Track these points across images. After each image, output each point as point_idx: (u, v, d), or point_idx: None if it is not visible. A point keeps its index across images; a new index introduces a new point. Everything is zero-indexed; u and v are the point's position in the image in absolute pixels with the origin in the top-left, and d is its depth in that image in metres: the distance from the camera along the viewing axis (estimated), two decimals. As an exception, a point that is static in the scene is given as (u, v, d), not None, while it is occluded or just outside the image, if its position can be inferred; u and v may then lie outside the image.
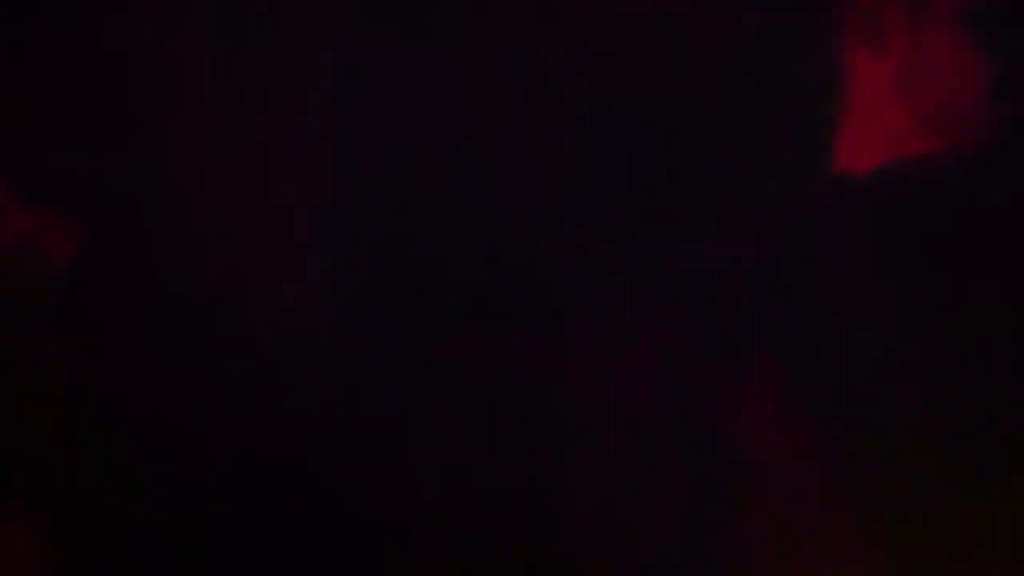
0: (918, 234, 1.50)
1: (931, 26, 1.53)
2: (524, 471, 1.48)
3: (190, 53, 1.49)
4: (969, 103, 1.52)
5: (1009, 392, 1.48)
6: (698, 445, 1.50)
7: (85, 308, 1.50)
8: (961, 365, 1.49)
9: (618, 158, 1.49)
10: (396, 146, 1.49)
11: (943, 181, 1.51)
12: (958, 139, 1.52)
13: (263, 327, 1.48)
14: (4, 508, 1.49)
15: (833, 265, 1.50)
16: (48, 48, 1.49)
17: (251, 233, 1.49)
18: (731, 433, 1.50)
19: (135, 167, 1.50)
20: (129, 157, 1.49)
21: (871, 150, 1.52)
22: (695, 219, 1.50)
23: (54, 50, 1.49)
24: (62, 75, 1.49)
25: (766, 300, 1.50)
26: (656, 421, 1.50)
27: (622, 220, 1.49)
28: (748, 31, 1.50)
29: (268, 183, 1.49)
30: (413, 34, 1.49)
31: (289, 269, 1.49)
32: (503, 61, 1.49)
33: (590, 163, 1.49)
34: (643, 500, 1.49)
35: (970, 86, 1.52)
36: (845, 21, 1.52)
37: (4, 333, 1.49)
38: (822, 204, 1.51)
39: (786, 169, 1.50)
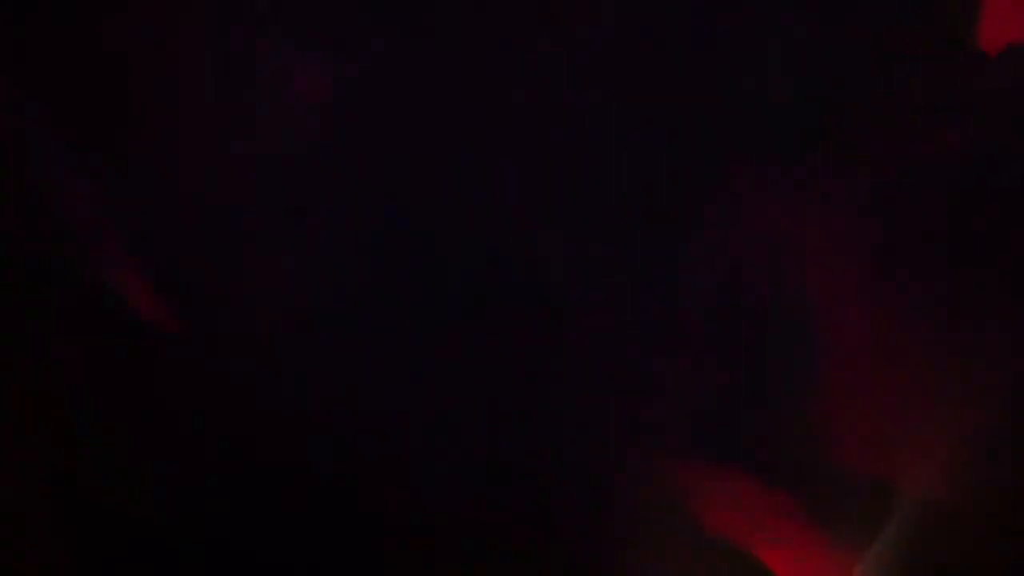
0: None
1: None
2: (524, 471, 1.48)
3: (190, 53, 1.49)
4: None
5: None
6: (698, 444, 1.50)
7: (85, 307, 1.50)
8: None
9: (618, 158, 1.49)
10: (396, 146, 1.49)
11: None
12: None
13: (263, 327, 1.49)
14: (4, 508, 1.49)
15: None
16: (48, 48, 1.49)
17: (251, 233, 1.49)
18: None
19: (135, 167, 1.50)
20: (129, 157, 1.50)
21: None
22: (695, 219, 1.50)
23: (54, 50, 1.49)
24: (62, 75, 1.49)
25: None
26: (657, 420, 1.50)
27: (622, 220, 1.49)
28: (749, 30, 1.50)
29: (268, 183, 1.49)
30: (413, 34, 1.49)
31: (289, 269, 1.49)
32: (503, 61, 1.49)
33: (590, 163, 1.49)
34: (642, 499, 1.49)
35: None
36: None
37: (4, 333, 1.49)
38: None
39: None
